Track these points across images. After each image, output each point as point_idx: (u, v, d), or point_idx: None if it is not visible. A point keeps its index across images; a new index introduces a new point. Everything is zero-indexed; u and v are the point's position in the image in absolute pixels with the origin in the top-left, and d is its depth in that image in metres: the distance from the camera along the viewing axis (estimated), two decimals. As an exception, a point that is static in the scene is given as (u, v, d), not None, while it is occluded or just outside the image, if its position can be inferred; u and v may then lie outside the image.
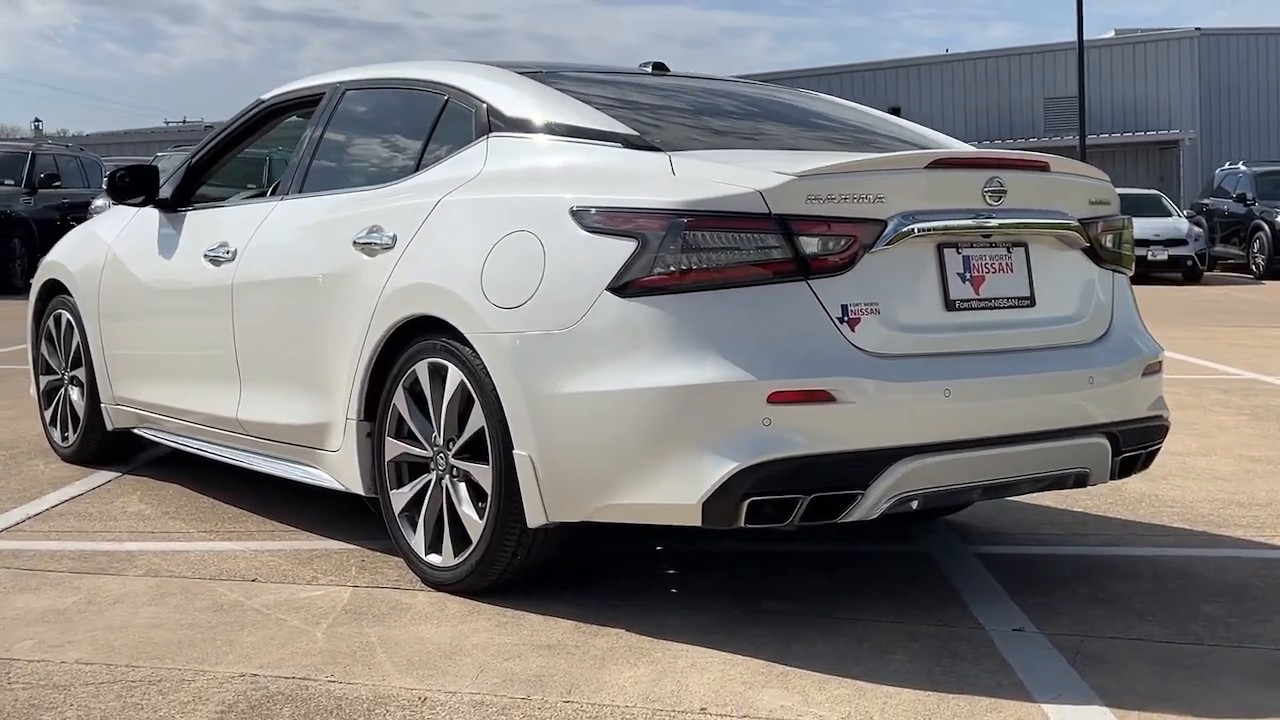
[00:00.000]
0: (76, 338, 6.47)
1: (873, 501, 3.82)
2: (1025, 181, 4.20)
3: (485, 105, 4.62)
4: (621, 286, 3.80)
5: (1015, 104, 43.45)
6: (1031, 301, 4.21)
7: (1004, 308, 4.14)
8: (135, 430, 6.20)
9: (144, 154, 31.09)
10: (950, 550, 4.95)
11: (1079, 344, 4.30)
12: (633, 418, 3.79)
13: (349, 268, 4.69)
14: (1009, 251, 4.18)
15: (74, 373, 6.56)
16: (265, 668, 3.66)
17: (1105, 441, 4.27)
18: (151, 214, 6.05)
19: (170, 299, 5.80)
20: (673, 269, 3.74)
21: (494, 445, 4.09)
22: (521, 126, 4.45)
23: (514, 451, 4.02)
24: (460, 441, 4.24)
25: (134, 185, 5.95)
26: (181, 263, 5.71)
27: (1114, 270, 4.50)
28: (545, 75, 4.81)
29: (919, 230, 3.93)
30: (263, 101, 5.87)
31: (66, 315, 6.58)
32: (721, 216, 3.75)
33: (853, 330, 3.82)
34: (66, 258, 6.67)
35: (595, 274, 3.85)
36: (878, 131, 4.96)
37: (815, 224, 3.80)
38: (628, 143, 4.18)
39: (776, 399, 3.68)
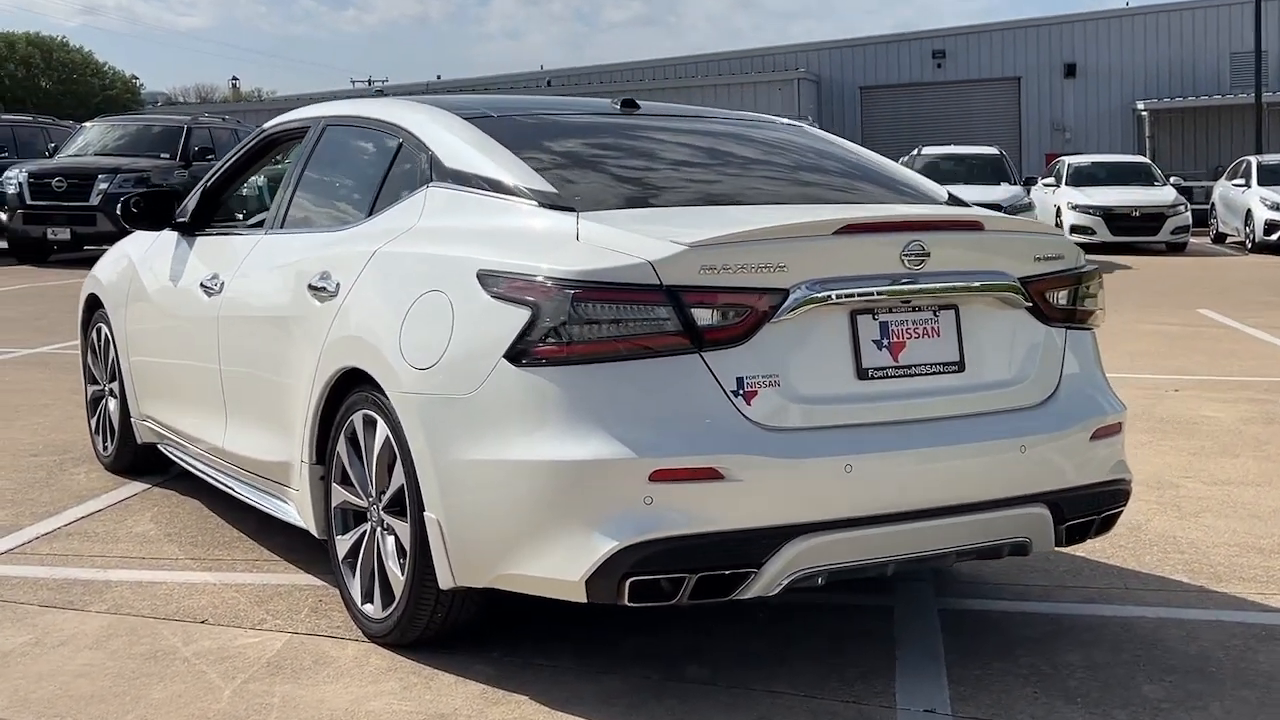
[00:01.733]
0: (113, 351, 6.65)
1: (769, 579, 3.73)
2: (952, 242, 4.04)
3: (429, 153, 4.60)
4: (516, 355, 3.76)
5: (1199, 59, 41.88)
6: (960, 367, 4.05)
7: (927, 374, 3.99)
8: (159, 446, 6.36)
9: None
10: (917, 604, 4.80)
11: (1018, 409, 4.12)
12: (523, 490, 3.75)
13: (304, 311, 4.73)
14: (936, 315, 4.02)
15: (112, 385, 6.75)
16: (154, 732, 3.73)
17: (1045, 510, 4.09)
18: (171, 236, 6.17)
19: (175, 324, 5.92)
20: (563, 340, 3.68)
21: (411, 504, 4.10)
22: (456, 178, 4.42)
23: (424, 513, 4.02)
24: (387, 496, 4.26)
25: (147, 212, 6.06)
26: (185, 289, 5.82)
27: (1067, 327, 4.29)
28: (495, 119, 4.75)
29: (825, 299, 3.79)
30: (264, 131, 5.93)
31: (105, 329, 6.76)
32: (611, 288, 3.68)
33: (748, 404, 3.71)
34: (102, 273, 6.86)
35: (495, 340, 3.81)
36: (856, 180, 4.80)
37: (709, 295, 3.70)
38: (545, 201, 4.12)
39: (659, 477, 3.60)
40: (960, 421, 4.00)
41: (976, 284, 4.05)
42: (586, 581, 3.67)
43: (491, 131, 4.58)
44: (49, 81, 68.31)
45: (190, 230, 6.07)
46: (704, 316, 3.70)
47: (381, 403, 4.21)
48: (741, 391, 3.72)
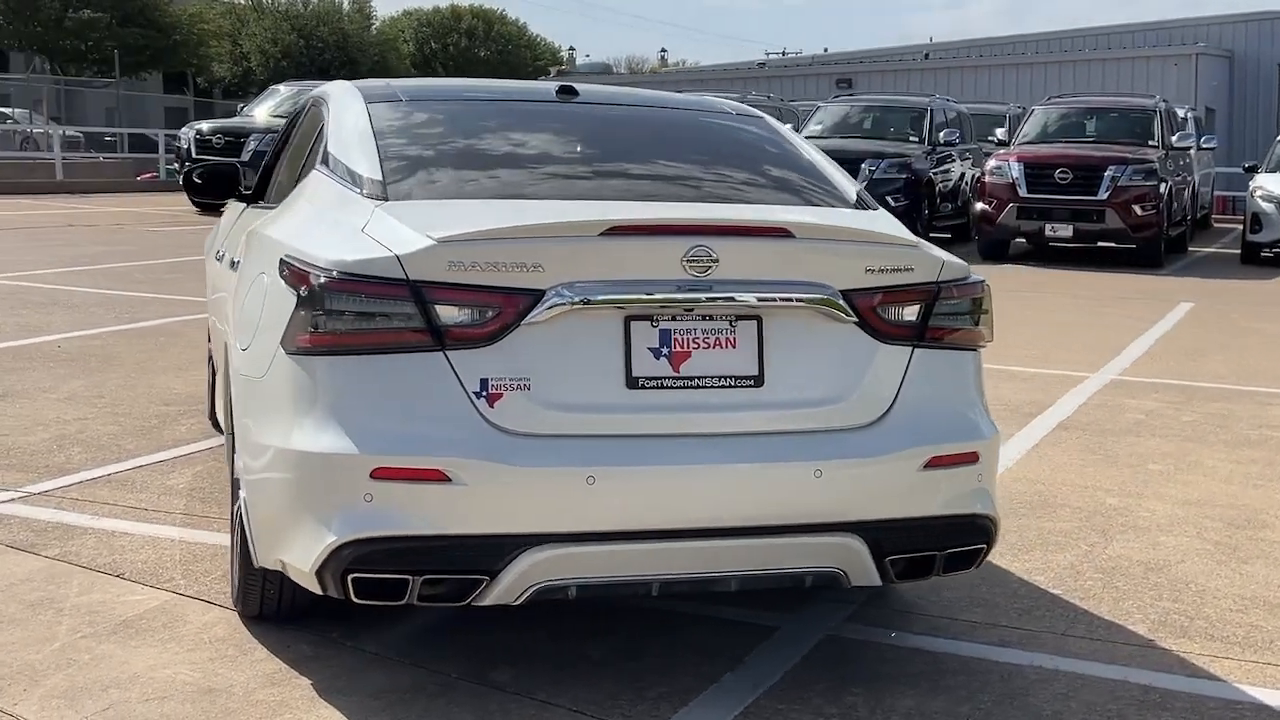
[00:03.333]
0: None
1: (506, 588, 3.62)
2: (750, 250, 3.78)
3: (325, 136, 4.65)
4: (284, 341, 3.78)
5: None
6: (758, 381, 3.79)
7: (716, 387, 3.76)
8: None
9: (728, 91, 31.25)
10: (808, 627, 4.53)
11: (831, 430, 3.82)
12: (280, 476, 3.78)
13: (229, 287, 4.90)
14: (733, 325, 3.78)
15: (216, 344, 7.15)
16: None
17: (856, 541, 3.79)
18: (238, 207, 6.47)
19: (222, 295, 6.21)
20: (315, 329, 3.68)
21: (236, 480, 4.20)
22: (327, 162, 4.46)
23: (240, 490, 4.12)
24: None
25: (209, 185, 6.36)
26: (221, 259, 6.10)
27: (915, 346, 3.94)
28: (401, 103, 4.73)
29: (584, 303, 3.63)
30: (304, 104, 6.13)
31: (215, 292, 7.17)
32: (359, 281, 3.64)
33: (491, 407, 3.61)
34: (212, 237, 7.26)
35: (277, 326, 3.85)
36: (735, 180, 4.54)
37: (456, 292, 3.61)
38: (369, 191, 4.10)
39: (380, 475, 3.56)
40: (750, 439, 3.75)
41: (778, 296, 3.77)
42: (316, 573, 3.67)
43: (379, 116, 4.57)
44: (487, 52, 71.97)
45: (250, 202, 6.34)
46: (450, 315, 3.61)
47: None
48: (485, 394, 3.61)
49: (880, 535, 3.82)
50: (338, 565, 3.60)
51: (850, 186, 4.56)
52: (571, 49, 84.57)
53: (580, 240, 3.68)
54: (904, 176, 19.13)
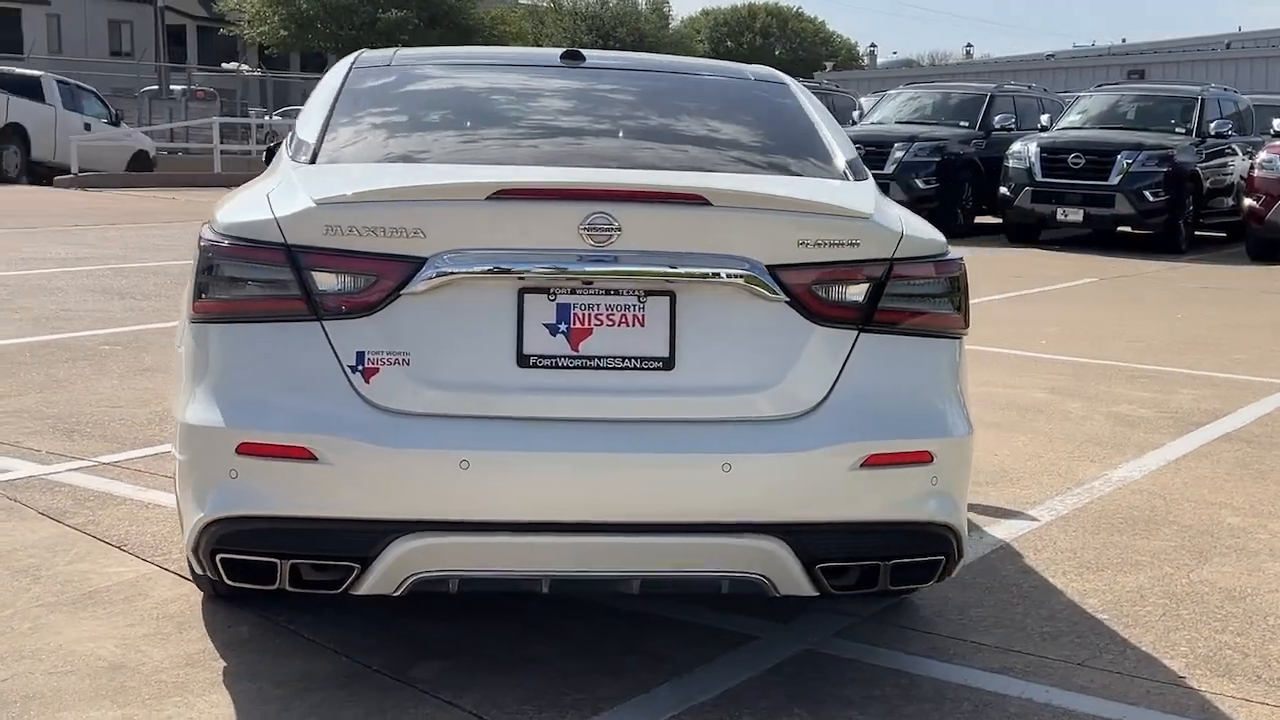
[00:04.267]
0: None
1: (381, 577, 3.37)
2: (660, 218, 3.41)
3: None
4: (189, 312, 3.63)
5: None
6: (669, 364, 3.42)
7: (619, 369, 3.41)
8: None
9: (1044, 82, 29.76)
10: (787, 640, 4.12)
11: (751, 420, 3.42)
12: (176, 451, 3.63)
13: None
14: (642, 301, 3.42)
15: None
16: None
17: (778, 546, 3.39)
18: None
19: None
20: (203, 297, 3.51)
21: None
22: (292, 131, 4.27)
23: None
24: None
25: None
26: None
27: (860, 330, 3.50)
28: (389, 67, 4.50)
29: (465, 273, 3.35)
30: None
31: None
32: (242, 245, 3.45)
33: (366, 382, 3.36)
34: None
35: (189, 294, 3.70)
36: (711, 142, 4.16)
37: (333, 259, 3.38)
38: (303, 158, 3.87)
39: (245, 450, 3.36)
40: (653, 428, 3.39)
41: (691, 271, 3.39)
42: (192, 552, 3.50)
43: (354, 83, 4.35)
44: (782, 49, 71.74)
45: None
46: (327, 282, 3.39)
47: None
48: (361, 368, 3.37)
49: (806, 540, 3.41)
50: (207, 544, 3.42)
51: (843, 156, 4.11)
52: (873, 46, 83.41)
53: (466, 205, 3.40)
54: (1164, 170, 17.93)
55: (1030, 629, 4.29)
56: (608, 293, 3.41)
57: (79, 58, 47.47)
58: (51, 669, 3.78)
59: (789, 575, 3.44)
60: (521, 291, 3.39)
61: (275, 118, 41.04)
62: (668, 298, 3.42)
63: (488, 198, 3.38)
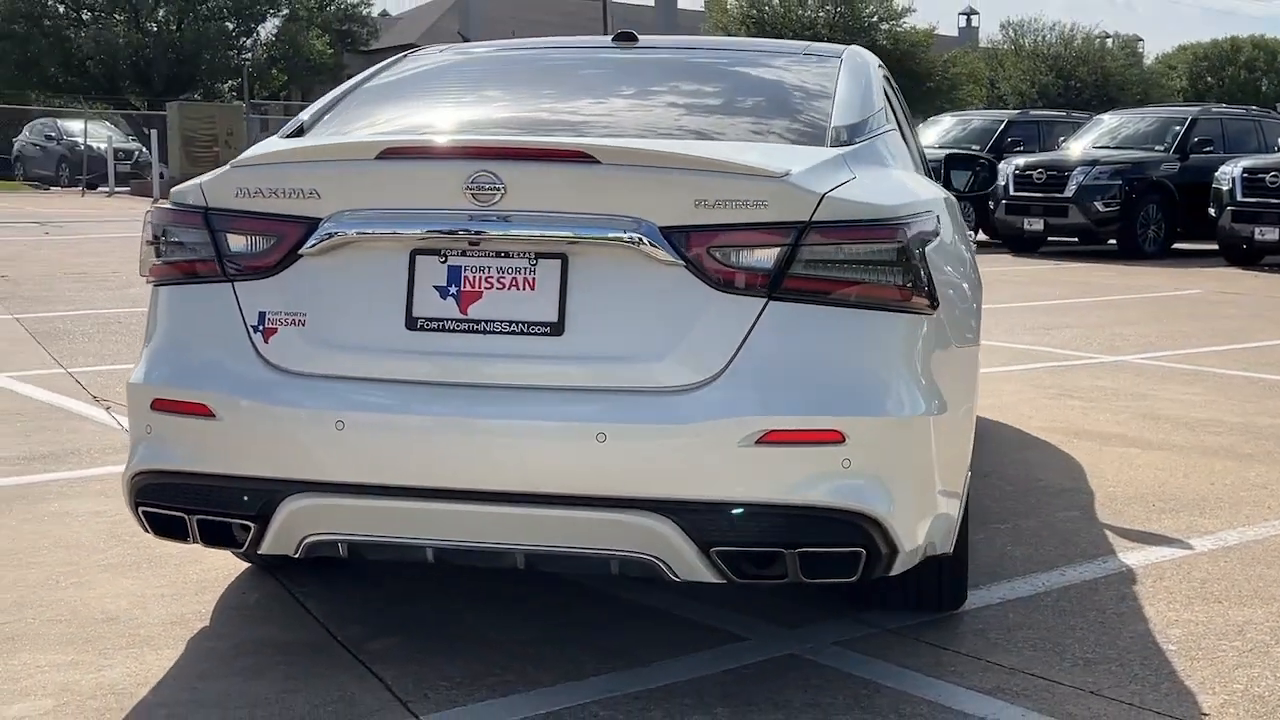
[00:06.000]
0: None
1: (276, 538, 3.39)
2: (542, 177, 3.26)
3: None
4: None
5: None
6: (557, 329, 3.26)
7: (507, 334, 3.28)
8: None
9: None
10: (779, 645, 3.84)
11: (636, 389, 3.21)
12: None
13: None
14: (534, 264, 3.28)
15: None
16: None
17: (665, 525, 3.17)
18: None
19: None
20: (155, 259, 3.65)
21: None
22: None
23: None
24: None
25: None
26: None
27: (769, 298, 3.23)
28: (439, 54, 4.57)
29: (356, 234, 3.32)
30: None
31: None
32: (176, 210, 3.57)
33: (266, 342, 3.39)
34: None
35: None
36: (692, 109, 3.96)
37: (241, 220, 3.44)
38: (293, 129, 3.98)
39: (158, 406, 3.46)
40: (535, 394, 3.24)
41: (578, 233, 3.23)
42: (130, 507, 3.62)
43: (398, 66, 4.44)
44: (1269, 84, 67.31)
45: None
46: (236, 243, 3.45)
47: None
48: (261, 328, 3.40)
49: (698, 521, 3.16)
50: (131, 497, 3.53)
51: (843, 123, 3.80)
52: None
53: (357, 165, 3.38)
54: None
55: (1069, 653, 3.81)
56: (499, 255, 3.29)
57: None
58: (51, 618, 4.00)
59: (683, 559, 3.20)
60: (414, 253, 3.33)
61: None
62: (559, 260, 3.27)
63: (376, 157, 3.34)
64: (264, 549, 3.42)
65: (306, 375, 3.35)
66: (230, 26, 58.92)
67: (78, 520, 5.02)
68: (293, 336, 3.37)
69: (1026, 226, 19.84)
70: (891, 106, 4.47)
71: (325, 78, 60.58)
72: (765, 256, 3.22)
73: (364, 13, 62.55)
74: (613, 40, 4.57)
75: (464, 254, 3.31)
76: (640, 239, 3.21)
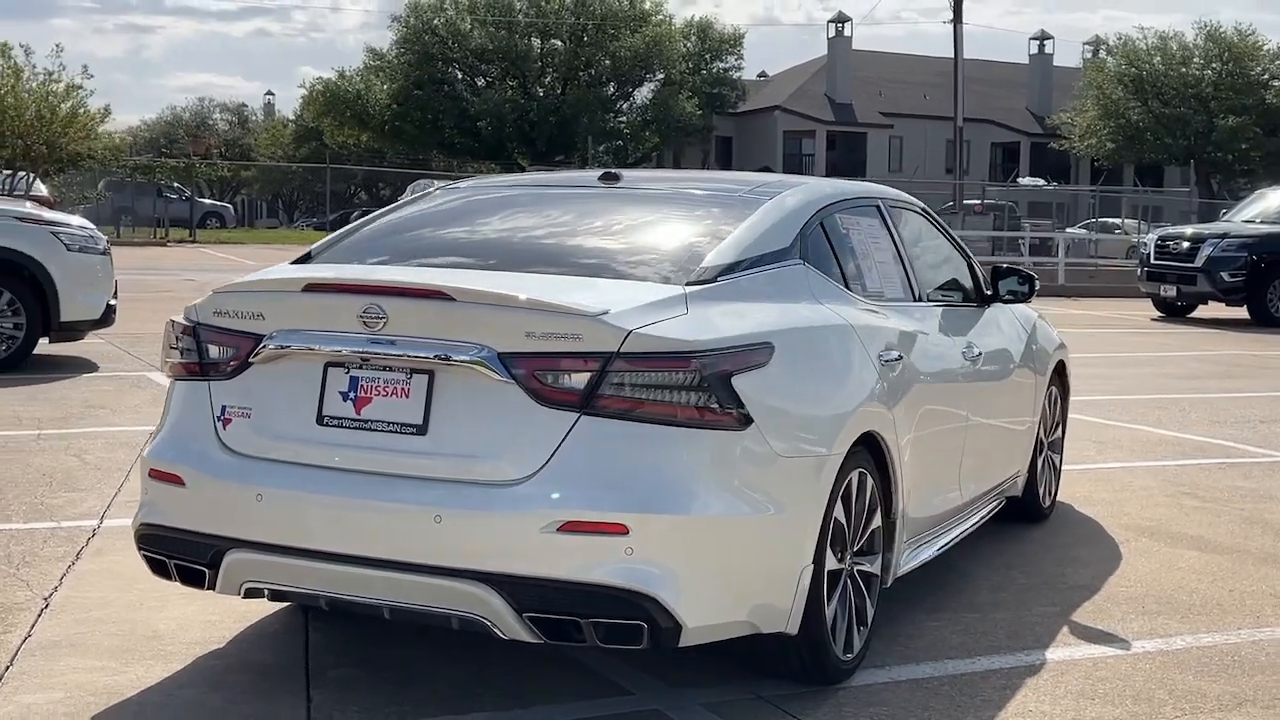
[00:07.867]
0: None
1: (225, 581, 4.38)
2: (414, 310, 4.15)
3: None
4: None
5: None
6: (422, 430, 4.14)
7: (385, 431, 4.18)
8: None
9: None
10: (652, 701, 4.53)
11: (474, 481, 4.05)
12: None
13: None
14: (409, 378, 4.17)
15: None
16: None
17: (489, 593, 3.99)
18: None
19: None
20: (167, 361, 4.72)
21: None
22: None
23: None
24: None
25: None
26: None
27: (581, 412, 4.00)
28: (440, 190, 5.58)
29: (284, 348, 4.30)
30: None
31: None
32: (178, 324, 4.63)
33: (224, 429, 4.40)
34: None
35: None
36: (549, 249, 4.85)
37: (216, 334, 4.48)
38: (300, 257, 5.02)
39: (153, 474, 4.52)
40: (397, 481, 4.12)
41: (437, 355, 4.10)
42: (137, 551, 4.67)
43: (394, 212, 5.50)
44: None
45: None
46: (212, 352, 4.49)
47: None
48: (222, 418, 4.41)
49: (514, 590, 3.97)
50: (136, 544, 4.59)
51: (715, 262, 4.54)
52: None
53: (290, 295, 4.39)
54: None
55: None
56: (386, 369, 4.20)
57: (908, 178, 50.47)
58: (113, 632, 5.10)
59: (505, 621, 4.01)
60: (327, 365, 4.28)
61: (1075, 230, 41.57)
62: (428, 376, 4.15)
63: (302, 290, 4.33)
64: (218, 590, 4.42)
65: (248, 456, 4.34)
66: (609, 91, 61.85)
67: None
68: (242, 426, 4.37)
69: (1162, 293, 22.55)
70: (828, 239, 5.11)
71: (695, 139, 62.97)
72: (579, 380, 4.01)
73: (734, 76, 64.52)
74: (599, 179, 5.42)
75: (360, 367, 4.23)
76: (481, 362, 4.05)
